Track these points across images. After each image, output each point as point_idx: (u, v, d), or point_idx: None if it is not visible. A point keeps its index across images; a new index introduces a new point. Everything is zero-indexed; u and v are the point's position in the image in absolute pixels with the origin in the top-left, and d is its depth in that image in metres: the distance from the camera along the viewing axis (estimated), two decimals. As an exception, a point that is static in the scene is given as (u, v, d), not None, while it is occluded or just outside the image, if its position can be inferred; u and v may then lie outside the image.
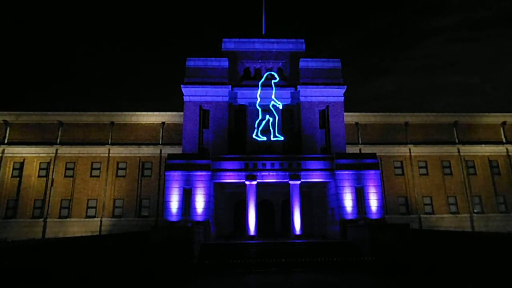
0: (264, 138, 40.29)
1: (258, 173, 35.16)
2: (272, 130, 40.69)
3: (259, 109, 41.31)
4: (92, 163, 43.78)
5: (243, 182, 35.26)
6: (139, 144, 44.52)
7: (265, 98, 43.18)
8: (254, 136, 40.63)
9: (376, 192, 34.53)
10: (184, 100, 42.18)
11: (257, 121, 41.03)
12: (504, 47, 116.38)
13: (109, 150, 44.02)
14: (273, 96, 41.41)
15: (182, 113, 43.04)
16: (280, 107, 41.63)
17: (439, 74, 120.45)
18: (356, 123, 46.58)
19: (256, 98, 43.11)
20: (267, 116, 40.98)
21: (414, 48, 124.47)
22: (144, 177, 43.70)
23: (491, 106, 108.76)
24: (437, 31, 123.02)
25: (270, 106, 41.28)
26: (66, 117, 45.07)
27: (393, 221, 40.24)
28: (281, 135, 40.55)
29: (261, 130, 41.48)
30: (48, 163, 43.52)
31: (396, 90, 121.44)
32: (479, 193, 45.12)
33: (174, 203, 33.51)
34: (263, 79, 42.22)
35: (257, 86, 43.28)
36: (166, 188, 34.05)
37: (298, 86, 42.57)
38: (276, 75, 42.24)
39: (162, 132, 45.30)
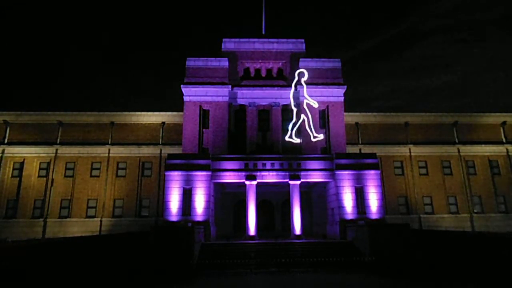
0: (299, 141, 38.85)
1: (258, 173, 35.12)
2: (310, 131, 39.33)
3: (294, 109, 39.83)
4: (92, 163, 43.75)
5: (243, 182, 35.22)
6: (139, 144, 44.50)
7: (264, 98, 43.20)
8: (287, 138, 39.04)
9: (376, 192, 34.51)
10: (184, 100, 42.18)
11: (291, 123, 39.44)
12: (499, 47, 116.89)
13: (109, 150, 43.99)
14: (305, 94, 40.16)
15: (182, 113, 43.03)
16: (316, 105, 40.11)
17: (436, 75, 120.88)
18: (356, 123, 46.55)
19: (257, 98, 43.14)
20: (302, 116, 39.59)
21: (411, 49, 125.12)
22: (144, 177, 43.67)
23: (489, 106, 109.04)
24: (434, 32, 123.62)
25: (304, 105, 40.23)
26: (66, 117, 45.04)
27: (393, 221, 40.24)
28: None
29: (260, 131, 41.04)
30: (48, 163, 43.49)
31: (395, 91, 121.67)
32: (479, 193, 45.08)
33: (174, 203, 33.49)
34: (296, 79, 40.47)
35: (257, 86, 43.26)
36: (166, 188, 34.03)
37: (298, 86, 42.51)
38: (305, 72, 40.48)
39: (162, 132, 45.27)
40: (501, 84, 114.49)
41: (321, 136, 39.16)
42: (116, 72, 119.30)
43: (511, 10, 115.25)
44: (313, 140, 39.33)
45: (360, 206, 34.12)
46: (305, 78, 40.41)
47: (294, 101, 40.52)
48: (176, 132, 44.77)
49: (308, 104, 40.44)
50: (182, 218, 33.01)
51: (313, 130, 39.48)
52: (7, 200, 42.20)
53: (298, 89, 42.58)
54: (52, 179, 42.72)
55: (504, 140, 47.04)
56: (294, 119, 39.77)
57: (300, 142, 39.37)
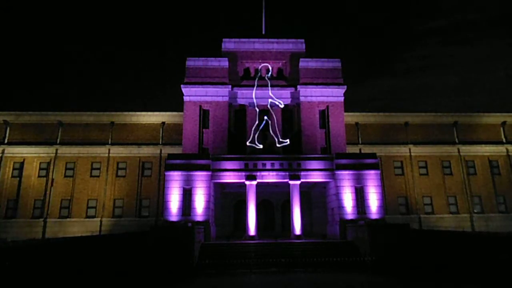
0: (261, 146, 39.33)
1: (258, 173, 35.11)
2: (274, 135, 39.59)
3: (257, 110, 40.65)
4: (92, 163, 43.72)
5: (243, 182, 35.21)
6: (139, 144, 44.48)
7: (263, 98, 43.12)
8: (249, 143, 39.50)
9: (376, 192, 34.51)
10: (184, 100, 42.17)
11: (254, 126, 40.01)
12: (496, 48, 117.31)
13: (109, 150, 43.97)
14: (270, 93, 40.97)
15: (182, 113, 43.01)
16: (281, 106, 41.07)
17: (435, 75, 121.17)
18: (356, 123, 46.53)
19: (257, 98, 42.97)
20: (265, 118, 40.12)
21: (410, 50, 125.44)
22: (144, 177, 43.64)
23: (487, 106, 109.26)
24: (432, 32, 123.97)
25: (268, 106, 40.93)
26: (66, 117, 45.02)
27: (393, 221, 40.22)
28: (284, 139, 39.66)
29: (260, 133, 41.12)
30: (48, 163, 43.47)
31: (394, 91, 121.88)
32: (479, 193, 45.04)
33: (174, 203, 33.49)
34: (258, 76, 41.80)
35: (257, 86, 42.95)
36: (166, 188, 34.03)
37: (298, 86, 42.55)
38: (269, 67, 42.17)
39: (162, 132, 45.25)
40: (499, 84, 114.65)
41: (287, 142, 39.63)
42: (116, 72, 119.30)
43: (506, 10, 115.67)
44: (278, 145, 39.62)
45: (360, 206, 34.11)
46: (269, 74, 41.67)
47: (260, 101, 41.18)
48: (176, 132, 44.75)
49: (274, 105, 40.87)
50: (182, 218, 33.01)
51: (278, 134, 39.78)
52: (7, 200, 42.16)
53: (298, 89, 42.64)
54: (52, 179, 42.69)
55: (504, 140, 47.02)
56: (257, 121, 40.16)
57: (262, 147, 39.53)
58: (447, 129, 47.20)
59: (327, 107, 41.83)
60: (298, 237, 33.63)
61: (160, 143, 44.69)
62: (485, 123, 47.70)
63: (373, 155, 36.36)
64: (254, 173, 35.07)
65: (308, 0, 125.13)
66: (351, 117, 46.27)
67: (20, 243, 19.14)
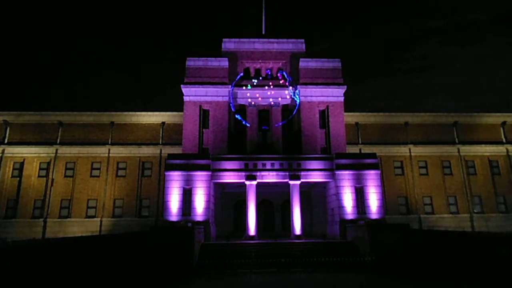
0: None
1: (258, 173, 35.11)
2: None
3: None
4: (92, 163, 43.70)
5: (243, 182, 35.21)
6: (139, 144, 44.47)
7: (264, 98, 43.20)
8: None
9: (376, 192, 34.50)
10: (184, 100, 42.17)
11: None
12: (496, 48, 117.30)
13: (109, 150, 43.96)
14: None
15: (182, 113, 43.02)
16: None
17: (435, 75, 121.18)
18: (356, 123, 46.51)
19: (256, 98, 43.08)
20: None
21: (410, 50, 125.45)
22: (144, 177, 43.63)
23: (488, 106, 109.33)
24: (432, 32, 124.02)
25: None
26: (66, 117, 45.01)
27: (393, 221, 40.20)
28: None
29: (260, 131, 41.21)
30: (48, 163, 43.45)
31: (394, 91, 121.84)
32: (479, 193, 45.03)
33: (174, 203, 33.49)
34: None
35: (257, 86, 43.19)
36: (166, 188, 34.03)
37: (298, 86, 42.56)
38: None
39: (162, 132, 45.24)
40: (499, 84, 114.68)
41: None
42: (116, 72, 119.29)
43: (506, 10, 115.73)
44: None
45: (360, 206, 34.10)
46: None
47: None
48: (176, 132, 44.74)
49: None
50: (182, 218, 33.01)
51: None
52: (7, 200, 42.14)
53: (298, 89, 42.67)
54: (52, 179, 42.68)
55: (504, 140, 47.00)
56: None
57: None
58: (447, 129, 47.19)
59: (327, 107, 41.82)
60: (298, 237, 33.62)
61: (160, 143, 44.68)
62: (485, 123, 47.68)
63: (373, 155, 36.36)
64: (254, 173, 35.06)
65: (308, 0, 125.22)
66: (351, 117, 46.24)
67: (20, 243, 19.14)
